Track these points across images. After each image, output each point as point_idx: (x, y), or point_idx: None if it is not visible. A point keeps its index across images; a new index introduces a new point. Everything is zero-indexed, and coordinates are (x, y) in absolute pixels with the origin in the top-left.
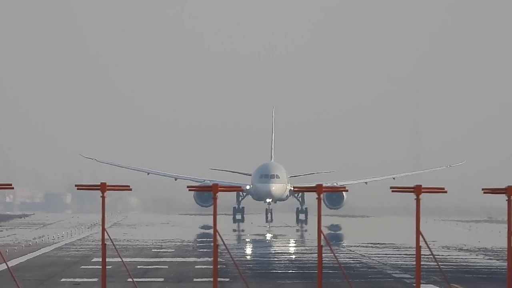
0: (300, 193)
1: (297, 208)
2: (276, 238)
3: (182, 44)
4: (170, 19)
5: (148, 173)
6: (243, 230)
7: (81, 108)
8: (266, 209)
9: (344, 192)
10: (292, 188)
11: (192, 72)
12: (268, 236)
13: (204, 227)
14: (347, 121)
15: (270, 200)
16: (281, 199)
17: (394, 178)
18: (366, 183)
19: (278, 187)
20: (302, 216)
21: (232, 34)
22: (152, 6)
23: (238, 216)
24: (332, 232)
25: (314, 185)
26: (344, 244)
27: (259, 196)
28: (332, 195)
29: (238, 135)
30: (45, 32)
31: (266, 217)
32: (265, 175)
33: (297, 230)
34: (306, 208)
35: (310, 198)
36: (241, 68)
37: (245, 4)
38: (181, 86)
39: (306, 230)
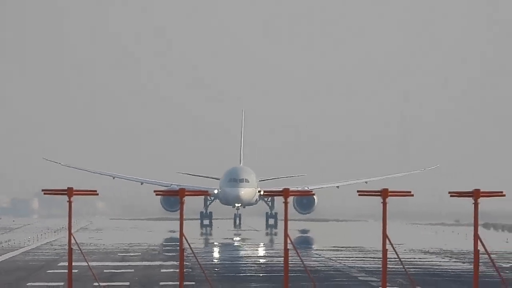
0: (270, 198)
1: (267, 213)
2: (244, 242)
3: (145, 46)
4: (126, 16)
5: (114, 177)
6: (210, 235)
7: (45, 112)
8: (235, 214)
9: (315, 197)
10: (262, 192)
11: (157, 74)
12: (236, 240)
13: (170, 231)
14: (318, 125)
15: (239, 204)
16: (250, 204)
17: (366, 182)
18: (337, 187)
19: (247, 191)
20: (271, 221)
21: (198, 35)
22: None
23: (206, 222)
24: (302, 235)
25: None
26: (312, 248)
27: (228, 200)
28: (303, 200)
29: (206, 139)
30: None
31: (235, 222)
32: (234, 179)
33: (267, 234)
34: (275, 213)
35: (280, 203)
36: (208, 69)
37: (211, 3)
38: (145, 88)
39: (275, 234)
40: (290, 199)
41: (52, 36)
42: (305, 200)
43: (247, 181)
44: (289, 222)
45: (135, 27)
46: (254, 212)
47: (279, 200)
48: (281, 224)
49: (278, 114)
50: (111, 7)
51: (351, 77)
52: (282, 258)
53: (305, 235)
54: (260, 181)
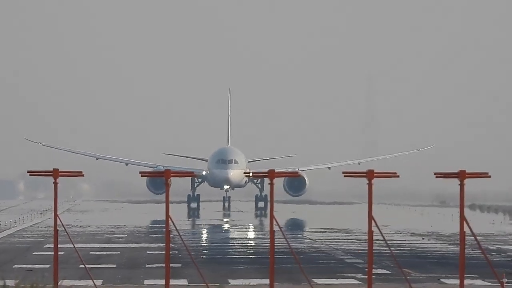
0: (259, 180)
1: (256, 195)
2: (232, 225)
3: (135, 28)
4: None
5: (97, 158)
6: (198, 217)
7: (28, 92)
8: (224, 196)
9: (306, 179)
10: (251, 174)
11: (144, 55)
12: (224, 222)
13: (156, 213)
14: (310, 104)
15: (227, 186)
16: (239, 186)
17: (359, 164)
18: (329, 168)
19: (236, 173)
20: (261, 204)
21: (187, 17)
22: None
23: (194, 205)
24: (292, 218)
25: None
26: (300, 230)
27: (216, 182)
28: (294, 182)
29: (192, 118)
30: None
31: (224, 206)
32: (222, 160)
33: (256, 216)
34: (265, 195)
35: (268, 183)
36: (195, 48)
37: None
38: (132, 68)
39: (264, 216)
40: (281, 181)
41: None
42: (296, 182)
43: (236, 162)
44: (280, 205)
45: (115, 10)
46: (243, 195)
47: (267, 181)
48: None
49: (266, 94)
50: None
51: (338, 55)
52: (268, 240)
53: (294, 217)
54: (249, 162)
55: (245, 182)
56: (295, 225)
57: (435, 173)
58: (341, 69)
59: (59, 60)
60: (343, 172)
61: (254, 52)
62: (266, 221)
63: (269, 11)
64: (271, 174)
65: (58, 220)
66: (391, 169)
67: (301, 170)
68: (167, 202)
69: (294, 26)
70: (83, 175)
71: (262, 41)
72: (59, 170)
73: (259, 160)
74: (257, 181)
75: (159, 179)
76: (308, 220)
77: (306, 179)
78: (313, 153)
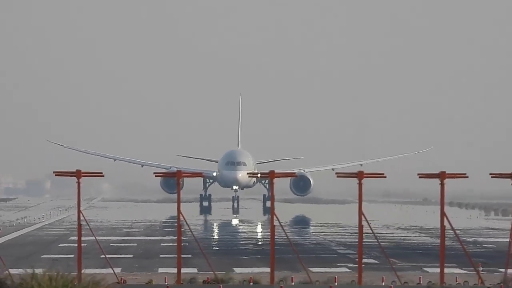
0: (267, 180)
1: (264, 195)
2: (239, 221)
3: (147, 34)
4: (129, 10)
5: (115, 160)
6: (209, 214)
7: (50, 98)
8: (233, 196)
9: (311, 179)
10: (259, 175)
11: (161, 64)
12: (232, 219)
13: (170, 210)
14: (317, 108)
15: (236, 187)
16: (248, 186)
17: (361, 165)
18: (333, 169)
19: (244, 174)
20: (269, 203)
21: (198, 22)
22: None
23: (205, 203)
24: (297, 215)
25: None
26: (300, 225)
27: (226, 183)
28: (300, 182)
29: (205, 122)
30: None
31: (233, 206)
32: (232, 162)
33: (264, 214)
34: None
35: (278, 185)
36: (208, 57)
37: None
38: (149, 77)
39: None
40: (287, 182)
41: (58, 28)
42: (301, 182)
43: (244, 164)
44: (286, 204)
45: (137, 15)
46: (253, 195)
47: (277, 182)
48: (278, 206)
49: (276, 101)
50: None
51: (345, 64)
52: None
53: (298, 214)
54: (257, 163)
55: (253, 183)
56: (298, 221)
57: (418, 174)
58: (343, 77)
59: (81, 68)
60: (336, 173)
61: (264, 62)
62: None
63: (276, 23)
64: (272, 174)
65: (81, 215)
66: (390, 170)
67: (306, 172)
68: (178, 200)
69: (301, 37)
70: (103, 176)
71: (271, 51)
72: (82, 171)
73: (267, 162)
74: (264, 181)
75: (172, 180)
76: (309, 217)
77: (311, 180)
78: (319, 155)
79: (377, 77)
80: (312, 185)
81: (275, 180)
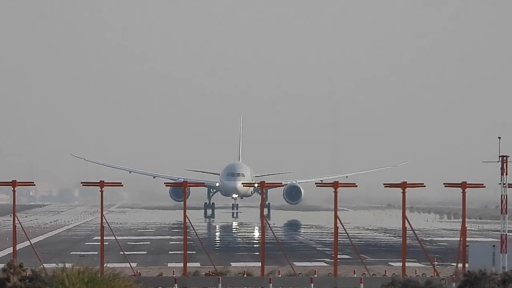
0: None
1: (261, 204)
2: (237, 225)
3: (159, 55)
4: (140, 25)
5: (130, 172)
6: (212, 219)
7: (75, 116)
8: (233, 204)
9: (302, 189)
10: (256, 185)
11: (173, 87)
12: (231, 223)
13: (178, 216)
14: (309, 130)
15: (236, 195)
16: (246, 195)
17: (347, 177)
18: (322, 181)
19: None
20: (265, 211)
21: (200, 39)
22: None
23: (209, 211)
24: (288, 221)
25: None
26: (288, 227)
27: (226, 192)
28: (292, 192)
29: (210, 139)
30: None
31: (232, 212)
32: (232, 174)
33: (259, 219)
34: (268, 203)
35: (274, 194)
36: (212, 78)
37: (201, 17)
38: (159, 94)
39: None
40: (280, 191)
41: (80, 41)
42: (293, 192)
43: (243, 175)
44: (280, 212)
45: (140, 27)
46: (251, 203)
47: (271, 192)
48: (274, 214)
49: (274, 116)
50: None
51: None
52: (266, 237)
53: (289, 220)
54: (256, 176)
55: (251, 192)
56: (288, 225)
57: (384, 184)
58: (318, 97)
59: (95, 88)
60: (316, 183)
61: (264, 87)
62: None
63: (273, 43)
64: (262, 184)
65: (103, 219)
66: (373, 181)
67: (298, 182)
68: (184, 205)
69: (292, 57)
70: (122, 185)
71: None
72: (104, 181)
73: (265, 175)
74: (260, 192)
75: (179, 189)
76: (297, 221)
77: (302, 190)
78: (312, 167)
79: (360, 99)
80: (303, 194)
81: (272, 190)
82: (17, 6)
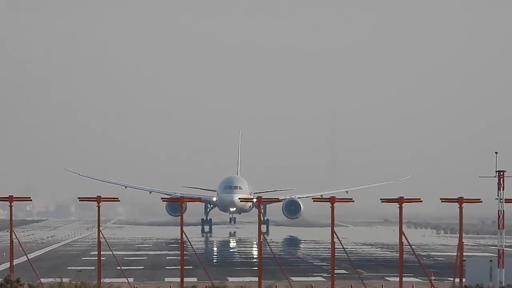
0: (263, 205)
1: (259, 219)
2: (235, 241)
3: (155, 70)
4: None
5: (126, 187)
6: (209, 235)
7: (70, 132)
8: (230, 217)
9: (301, 204)
10: (255, 200)
11: (171, 103)
12: (228, 238)
13: (175, 231)
14: (308, 147)
15: (233, 209)
16: (244, 210)
17: (347, 192)
18: (322, 195)
19: (240, 197)
20: (263, 227)
21: (197, 60)
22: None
23: (206, 227)
24: (287, 236)
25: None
26: (282, 242)
27: (223, 205)
28: (291, 206)
29: (208, 156)
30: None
31: (230, 232)
32: (229, 186)
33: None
34: (267, 219)
35: (273, 209)
36: (211, 95)
37: (197, 37)
38: (158, 111)
39: (266, 235)
40: (280, 207)
41: (73, 57)
42: (293, 206)
43: (240, 188)
44: (280, 227)
45: (132, 46)
46: (250, 218)
47: (270, 208)
48: (273, 229)
49: (272, 137)
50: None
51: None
52: (263, 252)
53: (287, 236)
54: (255, 193)
55: (250, 207)
56: (286, 240)
57: (381, 199)
58: (320, 115)
59: (95, 102)
60: (313, 198)
61: (263, 102)
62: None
63: (269, 61)
64: (259, 200)
65: (100, 234)
66: (369, 196)
67: (298, 197)
68: (181, 220)
69: (288, 77)
70: (119, 201)
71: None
72: (101, 196)
73: (264, 192)
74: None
75: (176, 204)
76: (295, 237)
77: (301, 204)
78: (311, 182)
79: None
80: (302, 208)
81: (271, 206)
82: None
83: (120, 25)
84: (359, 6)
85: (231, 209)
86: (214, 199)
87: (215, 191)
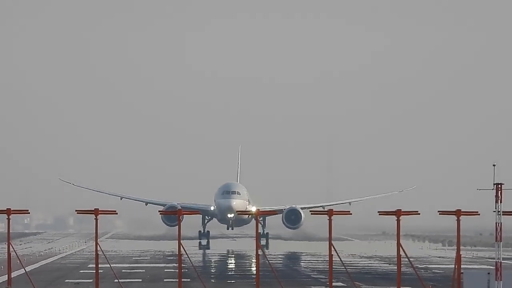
0: (262, 218)
1: (259, 233)
2: (233, 253)
3: (154, 82)
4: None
5: (121, 198)
6: (207, 247)
7: (65, 142)
8: (227, 225)
9: (302, 214)
10: (254, 208)
11: (166, 108)
12: (226, 251)
13: (172, 244)
14: (307, 155)
15: (231, 215)
16: (244, 222)
17: (350, 204)
18: (323, 207)
19: (238, 202)
20: (263, 241)
21: (200, 70)
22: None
23: (204, 241)
24: (288, 251)
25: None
26: (279, 255)
27: (221, 211)
28: (291, 216)
29: (207, 171)
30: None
31: (227, 227)
32: (227, 191)
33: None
34: (267, 233)
35: (272, 222)
36: (210, 108)
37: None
38: (155, 120)
39: (266, 248)
40: (280, 220)
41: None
42: (293, 216)
43: (238, 193)
44: (280, 241)
45: (143, 49)
46: (248, 232)
47: (270, 220)
48: (273, 243)
49: (272, 151)
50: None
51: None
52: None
53: (289, 251)
54: (261, 210)
55: (249, 217)
56: (285, 253)
57: (378, 211)
58: (315, 128)
59: (92, 111)
60: (310, 211)
61: (263, 117)
62: (259, 252)
63: (268, 74)
64: (257, 212)
65: (98, 246)
66: (367, 208)
67: (300, 208)
68: (179, 232)
69: (285, 87)
70: (117, 213)
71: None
72: (99, 209)
73: (266, 208)
74: (259, 219)
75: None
76: (294, 250)
77: (302, 214)
78: (313, 192)
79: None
80: (302, 218)
81: (270, 218)
82: None
83: (117, 46)
84: (359, 38)
85: (229, 215)
86: (212, 208)
87: (210, 206)
